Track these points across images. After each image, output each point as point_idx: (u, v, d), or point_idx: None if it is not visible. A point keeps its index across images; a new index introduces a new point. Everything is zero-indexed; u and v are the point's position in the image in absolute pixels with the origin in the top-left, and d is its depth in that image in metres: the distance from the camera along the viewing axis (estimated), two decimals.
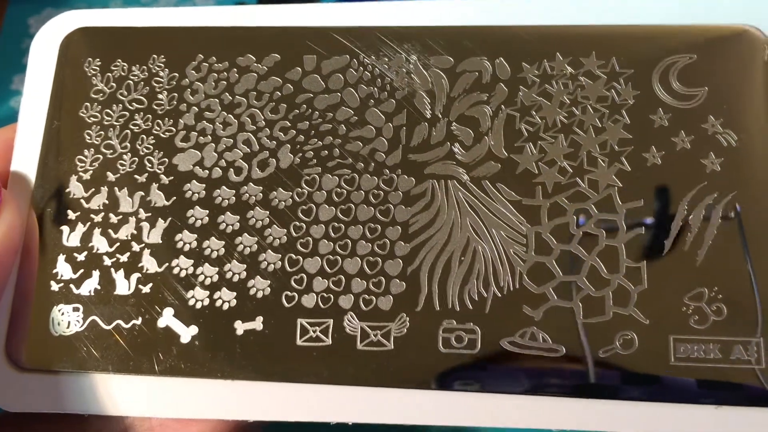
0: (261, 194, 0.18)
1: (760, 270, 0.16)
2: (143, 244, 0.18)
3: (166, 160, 0.19)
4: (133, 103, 0.19)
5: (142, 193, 0.19)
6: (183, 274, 0.18)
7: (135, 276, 0.18)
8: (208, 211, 0.18)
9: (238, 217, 0.18)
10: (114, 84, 0.20)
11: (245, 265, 0.18)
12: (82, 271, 0.18)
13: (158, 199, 0.19)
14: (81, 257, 0.18)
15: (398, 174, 0.18)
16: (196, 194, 0.18)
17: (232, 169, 0.19)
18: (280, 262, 0.18)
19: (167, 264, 0.18)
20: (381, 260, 0.18)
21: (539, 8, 0.19)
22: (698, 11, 0.18)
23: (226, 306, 0.18)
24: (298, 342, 0.17)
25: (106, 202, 0.19)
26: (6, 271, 0.18)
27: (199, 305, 0.18)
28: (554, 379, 0.17)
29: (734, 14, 0.18)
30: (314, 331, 0.17)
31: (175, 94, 0.19)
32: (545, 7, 0.19)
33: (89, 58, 0.20)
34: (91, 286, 0.18)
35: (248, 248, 0.18)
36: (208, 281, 0.18)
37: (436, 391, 0.17)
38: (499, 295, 0.17)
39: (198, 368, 0.17)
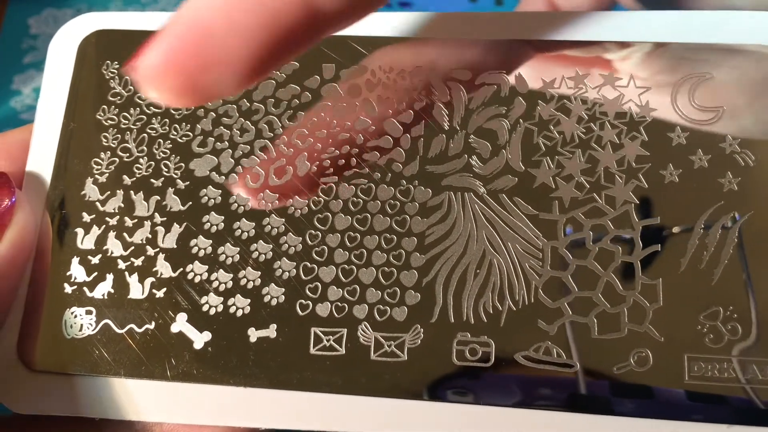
0: (277, 201, 0.19)
1: (759, 287, 0.17)
2: (158, 249, 0.19)
3: (183, 164, 0.20)
4: (151, 107, 0.20)
5: (158, 198, 0.19)
6: (197, 279, 0.19)
7: (149, 280, 0.19)
8: (223, 217, 0.19)
9: (254, 223, 0.19)
10: (132, 87, 0.20)
11: (260, 272, 0.19)
12: (95, 274, 0.19)
13: (174, 203, 0.19)
14: (95, 260, 0.19)
15: (415, 185, 0.19)
16: (212, 200, 0.19)
17: (248, 176, 0.19)
18: (294, 270, 0.19)
19: (181, 269, 0.19)
20: (396, 271, 0.18)
21: (557, 23, 0.20)
22: (716, 30, 0.19)
23: (239, 313, 0.18)
24: (312, 351, 0.18)
25: (122, 205, 0.19)
26: (19, 273, 0.19)
27: (212, 311, 0.18)
28: (567, 395, 0.17)
29: (752, 33, 0.19)
30: (328, 340, 0.18)
31: None
32: (563, 23, 0.20)
33: (107, 60, 0.21)
34: (104, 289, 0.19)
35: (263, 255, 0.19)
36: (222, 287, 0.19)
37: (448, 403, 0.17)
38: (514, 308, 0.18)
39: (210, 374, 0.18)
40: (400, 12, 0.21)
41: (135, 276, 0.19)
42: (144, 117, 0.20)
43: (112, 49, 0.21)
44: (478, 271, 0.18)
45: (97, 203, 0.19)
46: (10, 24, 0.41)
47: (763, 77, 0.19)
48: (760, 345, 0.17)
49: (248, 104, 0.20)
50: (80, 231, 0.19)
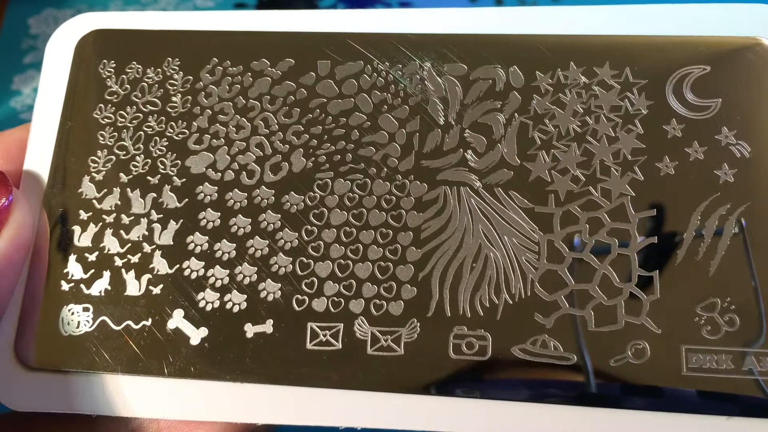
0: (273, 198, 0.19)
1: (762, 277, 0.17)
2: (154, 246, 0.19)
3: (179, 162, 0.20)
4: (147, 105, 0.20)
5: (155, 195, 0.20)
6: (194, 276, 0.19)
7: (146, 277, 0.19)
8: (219, 214, 0.19)
9: (250, 220, 0.19)
10: (128, 86, 0.21)
11: (256, 268, 0.19)
12: (92, 271, 0.19)
13: (170, 200, 0.19)
14: (92, 257, 0.19)
15: (411, 180, 0.19)
16: (209, 197, 0.19)
17: (244, 172, 0.20)
18: (291, 266, 0.19)
19: (178, 266, 0.19)
20: (392, 265, 0.18)
21: (553, 17, 0.20)
22: (712, 23, 0.19)
23: (236, 308, 0.18)
24: (308, 346, 0.18)
25: (118, 203, 0.20)
26: (17, 270, 0.19)
27: (209, 307, 0.19)
28: (565, 388, 0.17)
29: (748, 26, 0.19)
30: (324, 335, 0.18)
31: (189, 97, 0.20)
32: (559, 17, 0.20)
33: (104, 59, 0.21)
34: (101, 286, 0.19)
35: (259, 251, 0.19)
36: (218, 283, 0.19)
37: (445, 397, 0.18)
38: (511, 302, 0.18)
39: (207, 370, 0.18)
40: (389, 9, 0.21)
41: (132, 273, 0.19)
42: (140, 115, 0.20)
43: (109, 49, 0.21)
44: (474, 264, 0.18)
45: (94, 201, 0.20)
46: (10, 24, 0.41)
47: (758, 70, 0.19)
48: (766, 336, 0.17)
49: (244, 101, 0.20)
50: (77, 228, 0.19)
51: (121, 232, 0.19)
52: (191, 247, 0.19)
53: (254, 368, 0.18)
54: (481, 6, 0.38)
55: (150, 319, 0.19)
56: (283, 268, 0.19)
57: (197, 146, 0.20)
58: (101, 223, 0.19)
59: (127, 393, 0.18)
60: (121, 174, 0.20)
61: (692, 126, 0.19)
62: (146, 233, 0.19)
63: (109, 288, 0.19)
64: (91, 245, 0.19)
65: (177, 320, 0.19)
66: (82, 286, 0.19)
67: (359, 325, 0.18)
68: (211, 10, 0.40)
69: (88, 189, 0.20)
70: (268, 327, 0.18)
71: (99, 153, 0.20)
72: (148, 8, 0.41)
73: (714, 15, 0.20)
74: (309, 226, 0.19)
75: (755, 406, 0.17)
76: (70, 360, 0.18)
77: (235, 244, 0.19)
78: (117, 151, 0.20)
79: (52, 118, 0.20)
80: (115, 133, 0.20)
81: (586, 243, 0.18)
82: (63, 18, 0.41)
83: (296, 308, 0.18)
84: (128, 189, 0.20)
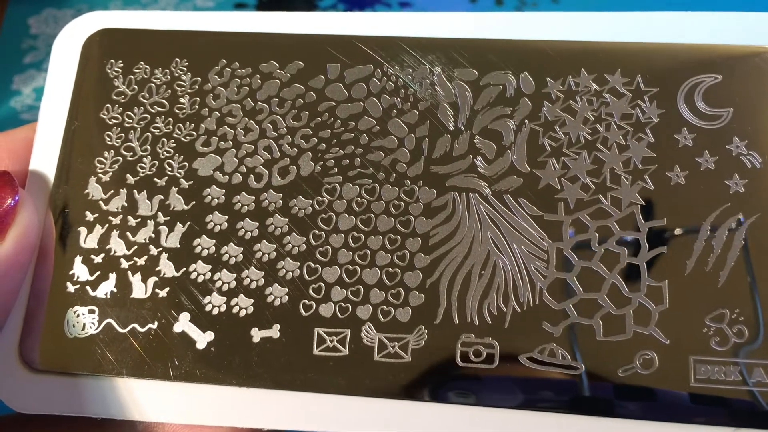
0: (281, 201, 0.19)
1: (764, 289, 0.17)
2: (161, 248, 0.19)
3: (186, 164, 0.20)
4: (155, 106, 0.20)
5: (161, 197, 0.20)
6: (200, 279, 0.19)
7: (152, 280, 0.19)
8: (227, 217, 0.19)
9: (258, 223, 0.19)
10: (136, 86, 0.21)
11: (263, 272, 0.19)
12: (98, 273, 0.19)
13: (177, 203, 0.20)
14: (98, 259, 0.19)
15: (419, 185, 0.19)
16: (216, 199, 0.19)
17: (252, 176, 0.20)
18: (298, 270, 0.19)
19: (185, 269, 0.19)
20: (400, 271, 0.19)
21: (565, 24, 0.20)
22: (724, 32, 0.19)
23: (243, 313, 0.19)
24: (315, 351, 0.18)
25: (125, 204, 0.20)
26: (22, 272, 0.19)
27: (215, 311, 0.19)
28: (572, 397, 0.17)
29: (760, 35, 0.19)
30: (331, 341, 0.18)
31: (197, 99, 0.20)
32: (571, 23, 0.20)
33: (111, 59, 0.21)
34: (107, 288, 0.19)
35: (267, 255, 0.19)
36: (225, 287, 0.19)
37: (452, 405, 0.18)
38: (519, 310, 0.18)
39: (213, 375, 0.18)
40: (400, 12, 0.21)
41: (138, 275, 0.19)
42: (148, 116, 0.20)
43: (116, 48, 0.21)
44: (482, 272, 0.18)
45: (100, 202, 0.20)
46: (10, 24, 0.41)
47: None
48: (767, 347, 0.17)
49: (252, 104, 0.20)
50: (83, 230, 0.19)
51: (128, 234, 0.19)
52: (198, 250, 0.19)
53: (260, 373, 0.18)
54: (480, 7, 0.38)
55: (156, 323, 0.19)
56: (291, 273, 0.19)
57: (205, 148, 0.20)
58: (107, 225, 0.19)
59: (133, 396, 0.18)
60: (128, 175, 0.20)
61: (703, 135, 0.19)
62: (153, 236, 0.19)
63: (115, 290, 0.19)
64: (97, 247, 0.19)
65: (183, 324, 0.19)
66: (87, 288, 0.19)
67: (366, 331, 0.18)
68: (211, 10, 0.40)
69: (94, 190, 0.20)
70: (274, 332, 0.18)
71: (106, 154, 0.20)
72: (149, 8, 0.41)
73: (723, 23, 0.20)
74: (317, 231, 0.19)
75: (763, 417, 0.17)
76: (75, 362, 0.19)
77: (242, 248, 0.19)
78: (124, 152, 0.20)
79: (59, 117, 0.20)
80: (122, 134, 0.20)
81: (596, 250, 0.18)
82: (63, 18, 0.41)
83: (303, 313, 0.18)
84: (135, 191, 0.20)
